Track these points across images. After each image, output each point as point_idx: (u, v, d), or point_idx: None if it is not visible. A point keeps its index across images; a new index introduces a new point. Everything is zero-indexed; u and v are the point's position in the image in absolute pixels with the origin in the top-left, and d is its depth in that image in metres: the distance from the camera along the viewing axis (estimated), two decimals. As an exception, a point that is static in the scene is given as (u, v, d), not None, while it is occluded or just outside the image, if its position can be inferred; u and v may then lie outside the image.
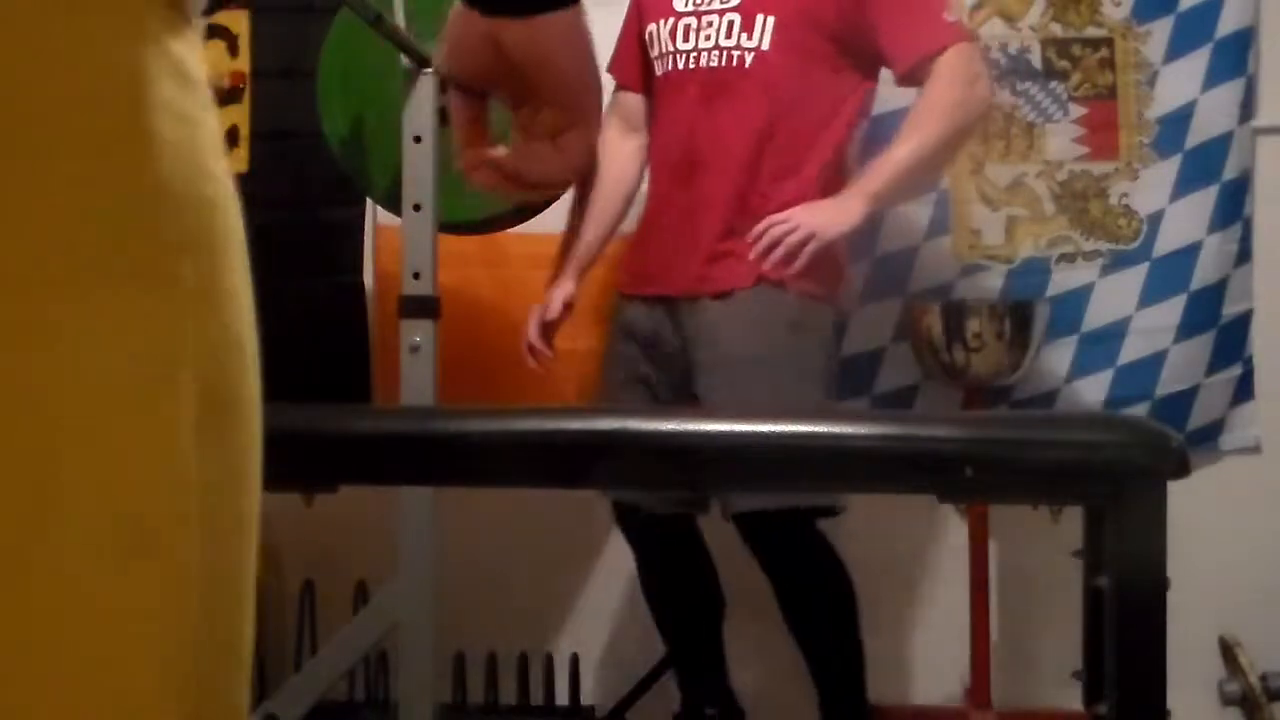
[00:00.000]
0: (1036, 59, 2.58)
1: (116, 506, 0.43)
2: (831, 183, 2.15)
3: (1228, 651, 2.40)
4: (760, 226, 2.08)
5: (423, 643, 2.04)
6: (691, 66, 2.18)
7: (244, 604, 0.51)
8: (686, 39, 2.18)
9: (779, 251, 2.05)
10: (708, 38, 2.17)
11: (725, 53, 2.15)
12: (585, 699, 2.65)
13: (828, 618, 2.20)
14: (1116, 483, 1.27)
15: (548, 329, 2.29)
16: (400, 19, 2.06)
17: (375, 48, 2.10)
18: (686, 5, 2.20)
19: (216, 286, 0.49)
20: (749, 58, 2.14)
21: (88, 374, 0.43)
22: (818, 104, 2.16)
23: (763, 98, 2.14)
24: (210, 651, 0.47)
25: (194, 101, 0.51)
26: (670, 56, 2.20)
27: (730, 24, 2.15)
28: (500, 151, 0.74)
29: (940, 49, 2.11)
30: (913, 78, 2.15)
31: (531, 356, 2.30)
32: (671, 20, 2.20)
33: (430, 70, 2.07)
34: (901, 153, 2.10)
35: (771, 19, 2.13)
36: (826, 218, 2.07)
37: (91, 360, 0.43)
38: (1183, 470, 1.27)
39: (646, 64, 2.29)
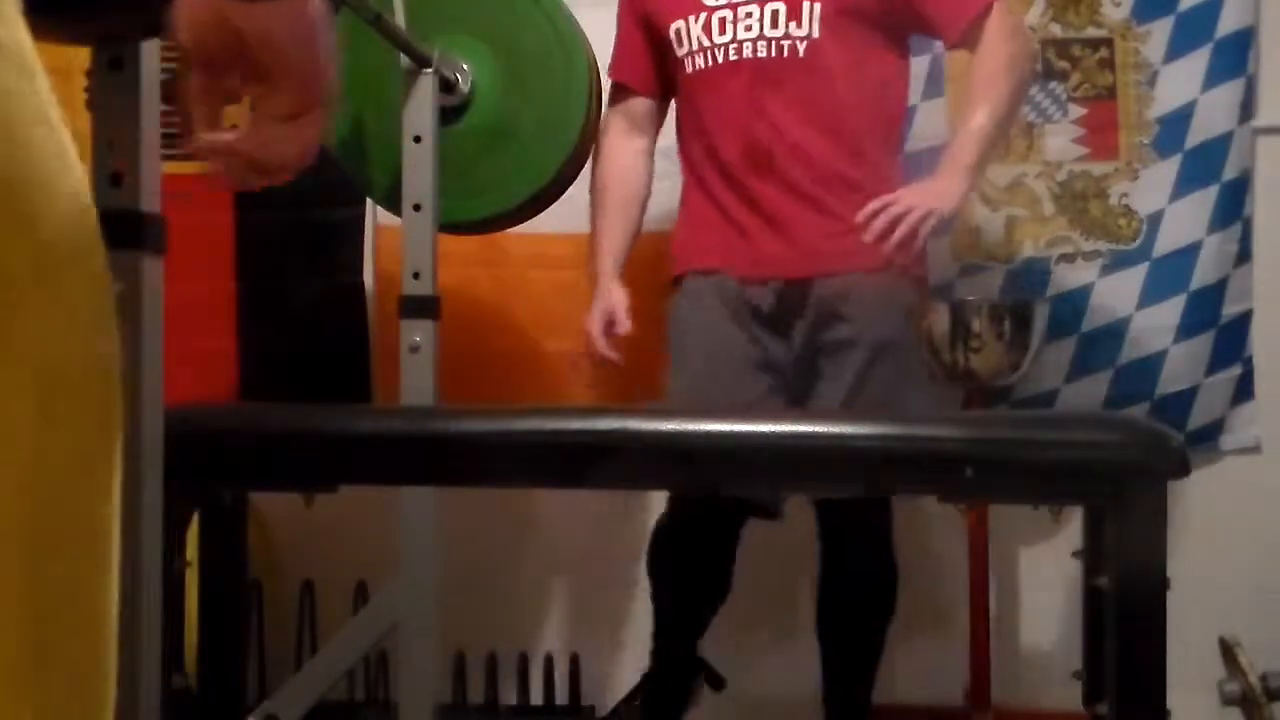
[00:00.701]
0: (1036, 60, 2.57)
1: None
2: (896, 163, 2.21)
3: (1228, 651, 2.40)
4: (873, 206, 2.05)
5: (423, 643, 2.04)
6: (734, 58, 2.16)
7: (94, 623, 0.48)
8: (723, 32, 2.17)
9: (901, 231, 2.02)
10: (748, 28, 2.15)
11: (774, 43, 2.14)
12: (585, 699, 2.65)
13: (866, 617, 2.23)
14: (1116, 483, 1.27)
15: (614, 338, 2.23)
16: (400, 19, 2.06)
17: (375, 48, 2.10)
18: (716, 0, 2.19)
19: (49, 267, 0.46)
20: (801, 46, 2.13)
21: None
22: (872, 86, 2.19)
23: (821, 83, 2.14)
24: (41, 669, 0.45)
25: (6, 71, 0.47)
26: (707, 52, 2.18)
27: (775, 14, 2.14)
28: (231, 135, 0.72)
29: (987, 9, 2.13)
30: (964, 42, 2.17)
31: (596, 362, 2.25)
32: (704, 15, 2.18)
33: (430, 70, 2.07)
34: (982, 119, 2.10)
35: (818, 6, 2.13)
36: (937, 196, 2.06)
37: None
38: (1183, 470, 1.27)
39: (657, 66, 2.28)
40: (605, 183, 2.29)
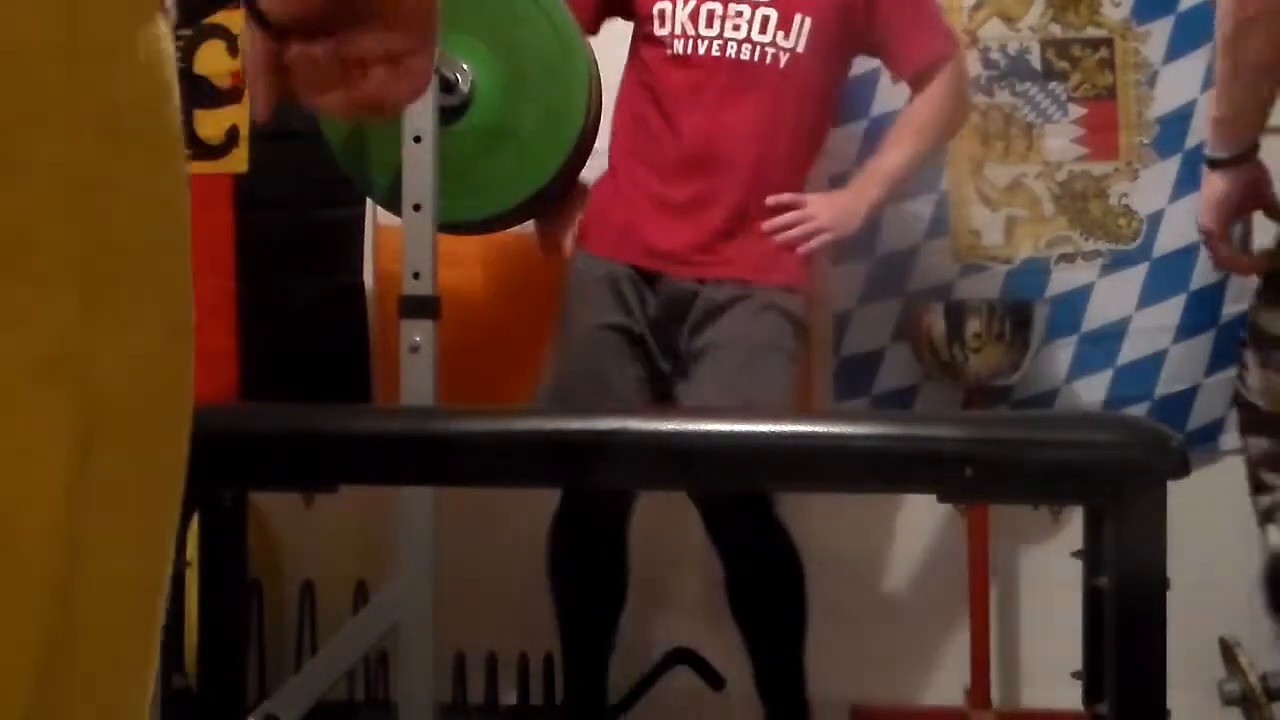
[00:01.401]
0: (1036, 59, 2.58)
1: None
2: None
3: (1228, 651, 2.40)
4: (782, 199, 2.16)
5: (423, 643, 2.04)
6: (718, 55, 2.17)
7: (138, 657, 0.48)
8: (710, 25, 2.18)
9: (795, 233, 2.16)
10: (736, 28, 2.17)
11: (759, 48, 2.16)
12: (585, 699, 2.64)
13: (777, 608, 2.24)
14: (1116, 483, 1.27)
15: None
16: (400, 19, 2.06)
17: (375, 48, 2.09)
18: None
19: (121, 285, 0.47)
20: (784, 58, 2.16)
21: None
22: (830, 109, 2.28)
23: (793, 97, 2.17)
24: (68, 683, 0.45)
25: (151, 90, 0.48)
26: (691, 40, 2.19)
27: (765, 19, 2.16)
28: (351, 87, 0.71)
29: (945, 59, 2.23)
30: (913, 81, 2.26)
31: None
32: (693, 3, 2.19)
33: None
34: (901, 160, 2.23)
35: (809, 20, 2.15)
36: (839, 216, 2.18)
37: None
38: (1183, 470, 1.27)
39: (597, 11, 2.31)
40: None
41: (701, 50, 2.18)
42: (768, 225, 2.16)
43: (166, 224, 0.50)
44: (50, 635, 0.44)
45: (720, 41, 2.17)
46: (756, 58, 2.16)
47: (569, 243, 2.30)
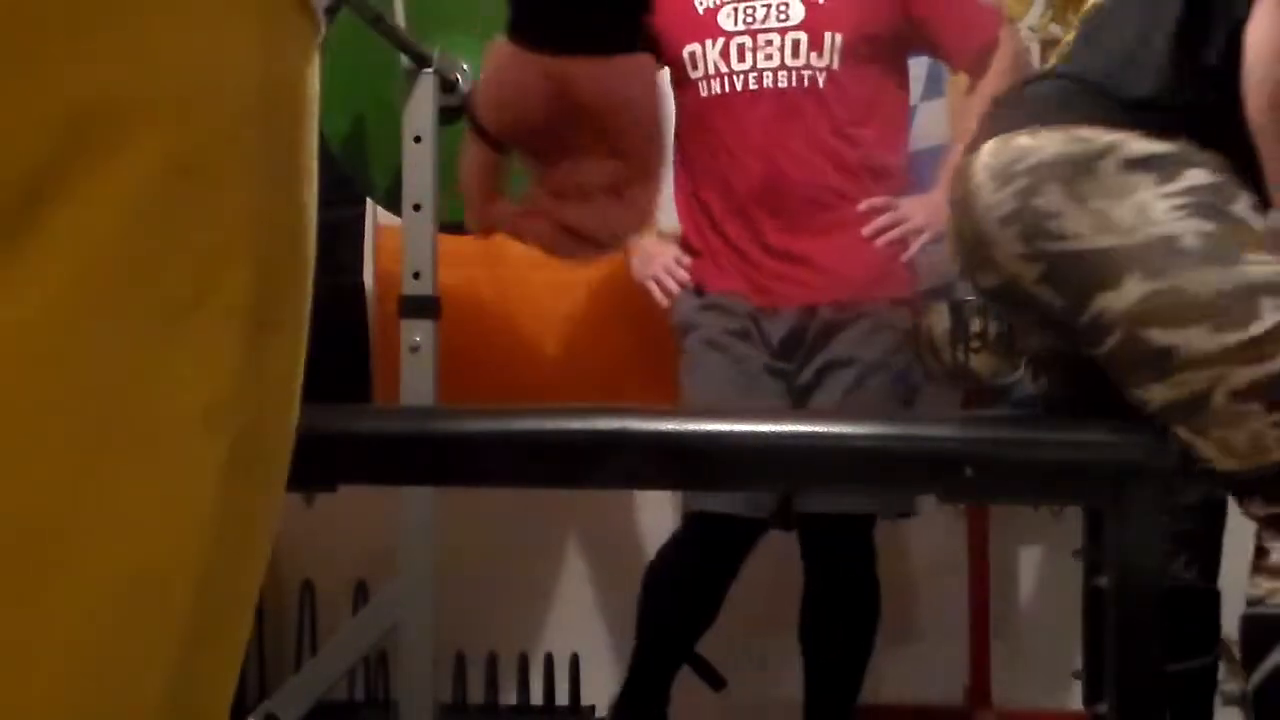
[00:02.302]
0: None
1: (124, 552, 0.42)
2: (897, 187, 2.24)
3: (1227, 652, 2.40)
4: (875, 203, 2.17)
5: (423, 643, 2.04)
6: (755, 88, 2.17)
7: (230, 661, 0.49)
8: (742, 59, 2.17)
9: (893, 234, 2.17)
10: (769, 57, 2.16)
11: (794, 73, 2.15)
12: (585, 699, 2.65)
13: (851, 635, 2.22)
14: (1116, 483, 1.27)
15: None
16: (400, 19, 2.06)
17: (375, 48, 2.09)
18: (736, 24, 2.18)
19: (274, 317, 0.48)
20: (821, 77, 2.15)
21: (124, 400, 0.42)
22: (884, 117, 2.23)
23: (841, 112, 2.17)
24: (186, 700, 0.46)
25: (308, 127, 0.50)
26: (725, 78, 2.18)
27: (796, 43, 2.15)
28: (561, 209, 0.66)
29: (995, 39, 2.20)
30: (971, 68, 2.24)
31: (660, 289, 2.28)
32: (722, 40, 2.18)
33: (430, 70, 2.07)
34: None
35: (840, 36, 2.14)
36: (935, 214, 2.12)
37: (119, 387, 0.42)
38: (1183, 470, 1.27)
39: None
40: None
41: (740, 87, 2.17)
42: (868, 230, 2.16)
43: (310, 254, 0.51)
44: (182, 672, 0.45)
45: (756, 74, 2.16)
46: (794, 83, 2.15)
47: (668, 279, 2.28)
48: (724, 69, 2.18)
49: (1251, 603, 1.21)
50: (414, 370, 2.05)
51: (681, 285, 2.25)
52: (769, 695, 2.41)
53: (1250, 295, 1.20)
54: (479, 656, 2.63)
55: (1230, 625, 2.41)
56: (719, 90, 2.19)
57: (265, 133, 0.46)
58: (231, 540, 0.47)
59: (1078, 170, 1.27)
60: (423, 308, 2.07)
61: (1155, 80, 1.31)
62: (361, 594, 2.58)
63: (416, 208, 2.07)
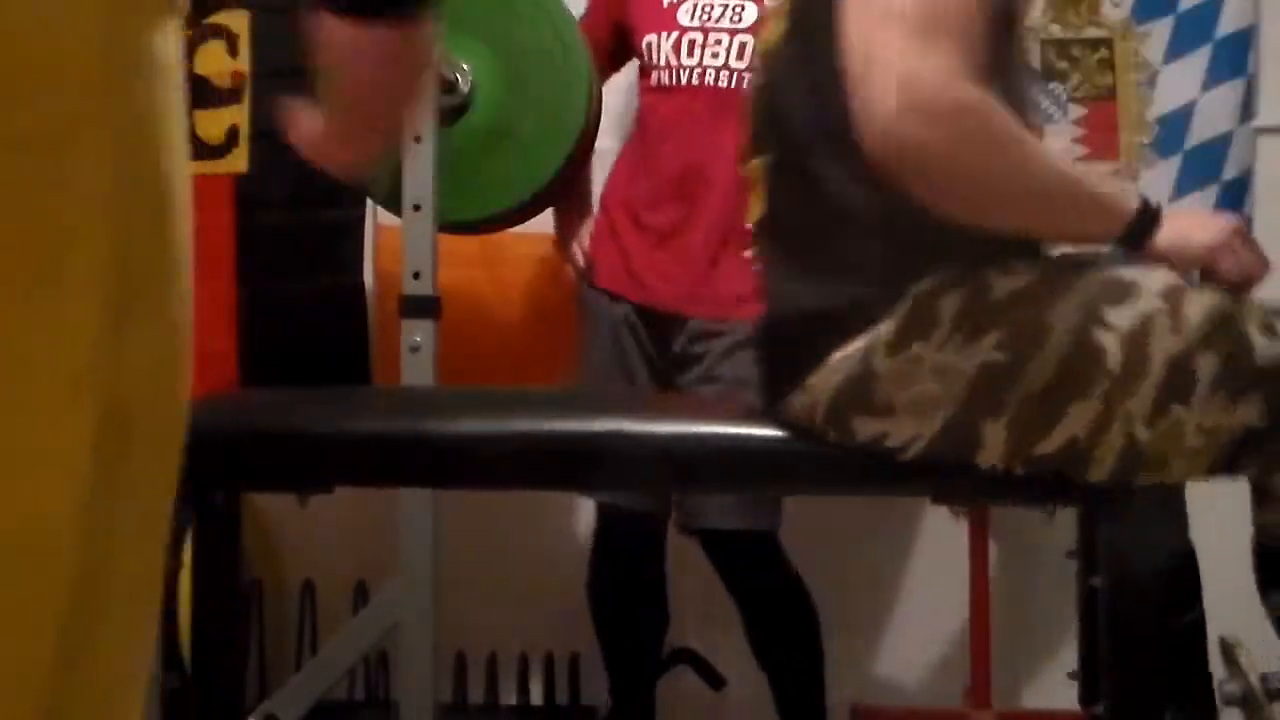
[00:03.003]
0: (1035, 60, 2.57)
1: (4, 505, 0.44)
2: None
3: (1228, 651, 2.39)
4: None
5: (423, 643, 2.04)
6: (696, 83, 2.17)
7: (148, 643, 0.50)
8: (691, 54, 2.18)
9: None
10: (715, 55, 2.16)
11: (736, 74, 2.15)
12: (585, 699, 2.65)
13: (790, 637, 2.25)
14: (1110, 483, 1.26)
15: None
16: (400, 19, 2.06)
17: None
18: (692, 20, 2.19)
19: (136, 304, 0.48)
20: None
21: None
22: None
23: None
24: (88, 670, 0.47)
25: (163, 97, 0.49)
26: (673, 71, 2.19)
27: (743, 46, 2.15)
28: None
29: None
30: None
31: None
32: (675, 34, 2.19)
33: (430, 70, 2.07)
34: None
35: None
36: None
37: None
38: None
39: (612, 56, 2.33)
40: None
41: (683, 80, 2.18)
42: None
43: (180, 229, 0.51)
44: (73, 626, 0.46)
45: (700, 70, 2.17)
46: (733, 84, 2.14)
47: (578, 255, 2.32)
48: (674, 62, 2.19)
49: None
50: (414, 370, 2.05)
51: (577, 269, 2.31)
52: (769, 695, 2.41)
53: (1084, 343, 1.18)
54: (479, 656, 2.63)
55: (1230, 626, 2.41)
56: (666, 82, 2.20)
57: (111, 105, 0.46)
58: (122, 514, 0.47)
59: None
60: (423, 308, 2.07)
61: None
62: (361, 594, 2.58)
63: (416, 208, 2.07)
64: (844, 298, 1.26)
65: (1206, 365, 1.17)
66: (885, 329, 1.23)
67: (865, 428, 1.26)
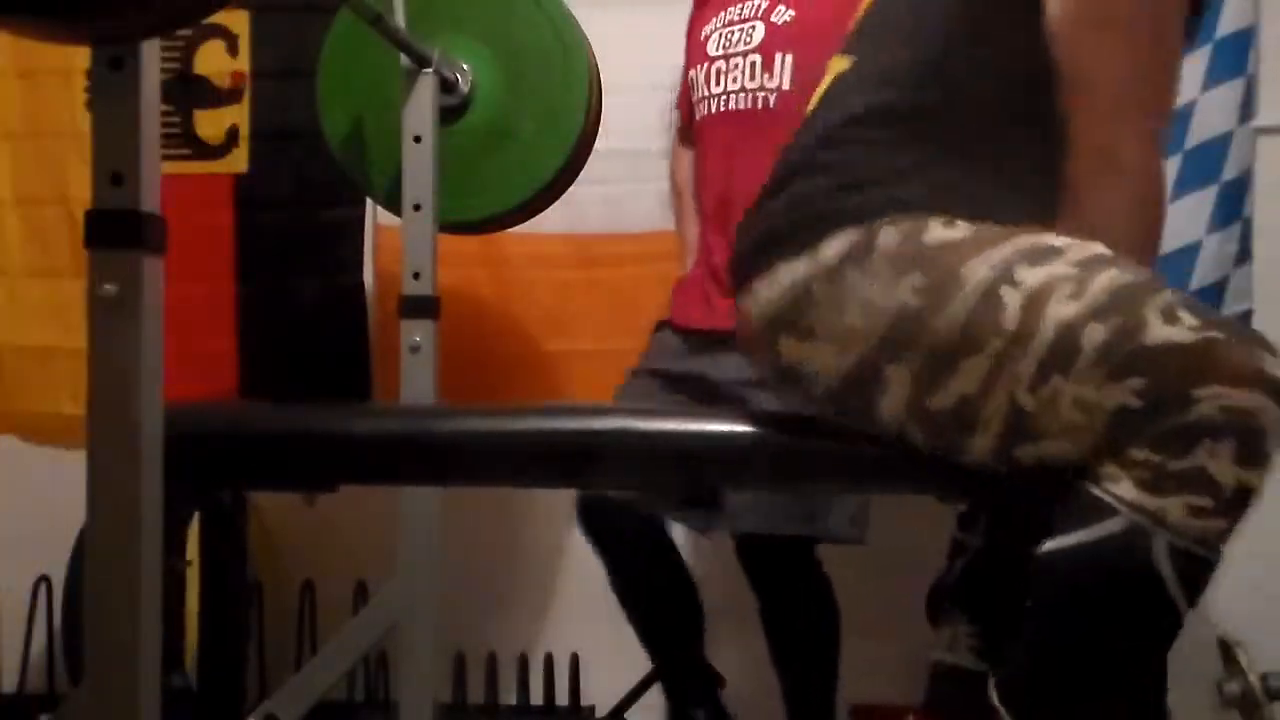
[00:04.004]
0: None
1: None
2: None
3: (1228, 651, 2.40)
4: None
5: (423, 643, 2.04)
6: (722, 110, 2.20)
7: None
8: (718, 82, 2.21)
9: None
10: (734, 80, 2.19)
11: (750, 95, 2.16)
12: (585, 699, 2.65)
13: (812, 646, 2.24)
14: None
15: None
16: (400, 19, 2.06)
17: (375, 48, 2.10)
18: (717, 49, 2.22)
19: None
20: (773, 99, 2.16)
21: None
22: None
23: (789, 133, 2.17)
24: None
25: None
26: (705, 101, 2.23)
27: (753, 65, 2.17)
28: None
29: None
30: None
31: None
32: (705, 65, 2.23)
33: (430, 70, 2.07)
34: None
35: (790, 56, 2.15)
36: None
37: None
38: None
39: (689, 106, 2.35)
40: (680, 189, 2.37)
41: (714, 109, 2.21)
42: None
43: None
44: None
45: (725, 96, 2.19)
46: (748, 105, 2.16)
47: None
48: (706, 93, 2.23)
49: (1086, 479, 1.15)
50: (414, 370, 2.05)
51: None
52: (768, 695, 2.41)
53: (990, 298, 1.16)
54: (479, 656, 2.63)
55: (1230, 626, 2.41)
56: (704, 112, 2.24)
57: None
58: None
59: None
60: (423, 308, 2.07)
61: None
62: (361, 594, 2.58)
63: (416, 208, 2.07)
64: (810, 207, 1.26)
65: (1093, 337, 1.12)
66: (830, 252, 1.22)
67: (790, 351, 1.25)
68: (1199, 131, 2.51)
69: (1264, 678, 2.33)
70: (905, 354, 1.19)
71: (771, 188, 1.34)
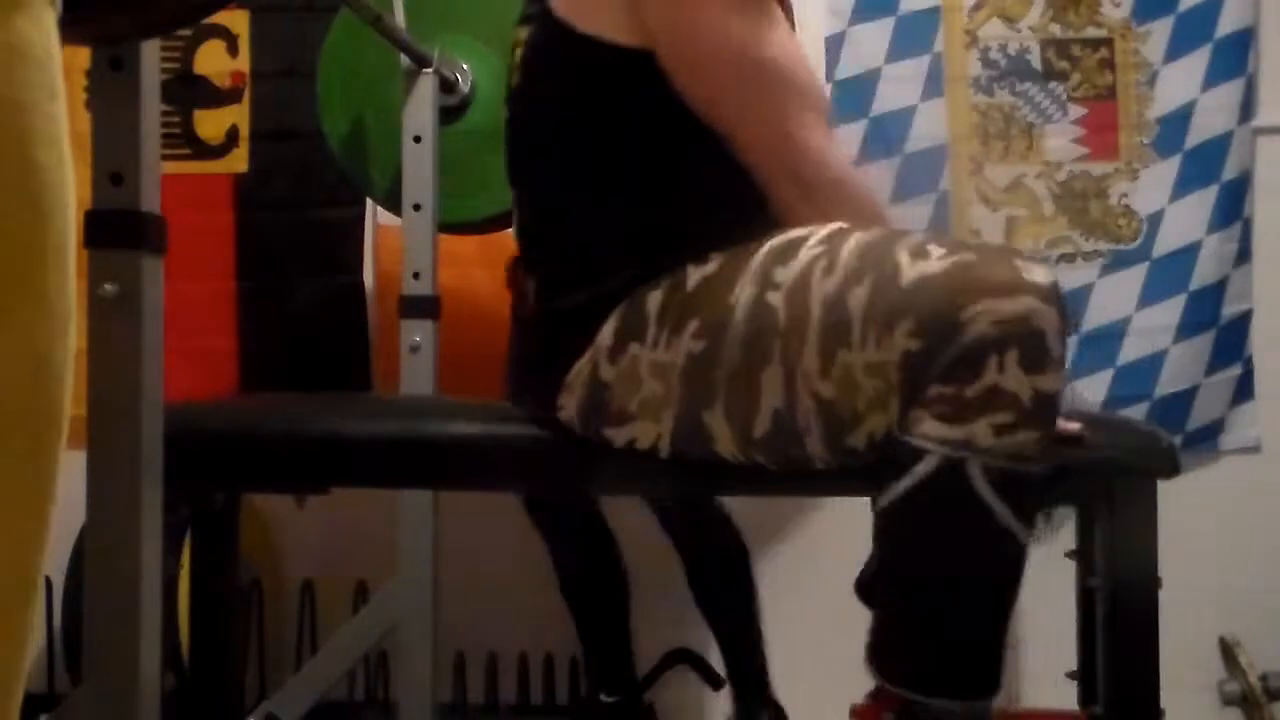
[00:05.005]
0: (1036, 60, 2.57)
1: None
2: None
3: (1228, 651, 2.40)
4: None
5: (423, 643, 2.04)
6: None
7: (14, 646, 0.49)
8: None
9: None
10: None
11: None
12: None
13: (729, 591, 2.31)
14: (1107, 484, 1.27)
15: None
16: (400, 19, 2.06)
17: (375, 48, 2.10)
18: None
19: (8, 296, 0.46)
20: None
21: None
22: None
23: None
24: None
25: (28, 85, 0.47)
26: None
27: None
28: None
29: None
30: None
31: None
32: None
33: (430, 70, 2.07)
34: None
35: None
36: None
37: None
38: (1173, 470, 1.27)
39: None
40: None
41: None
42: None
43: (58, 219, 0.49)
44: None
45: None
46: None
47: None
48: None
49: (901, 429, 1.15)
50: (414, 370, 2.05)
51: None
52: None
53: (760, 307, 1.16)
54: (479, 656, 2.63)
55: (1230, 626, 2.41)
56: None
57: None
58: None
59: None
60: (423, 308, 2.07)
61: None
62: (361, 594, 2.58)
63: (416, 208, 2.07)
64: (571, 304, 1.27)
65: (857, 301, 1.13)
66: (605, 336, 1.23)
67: (617, 436, 1.25)
68: (1199, 131, 2.51)
69: (1264, 678, 2.34)
70: (712, 397, 1.19)
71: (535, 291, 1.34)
